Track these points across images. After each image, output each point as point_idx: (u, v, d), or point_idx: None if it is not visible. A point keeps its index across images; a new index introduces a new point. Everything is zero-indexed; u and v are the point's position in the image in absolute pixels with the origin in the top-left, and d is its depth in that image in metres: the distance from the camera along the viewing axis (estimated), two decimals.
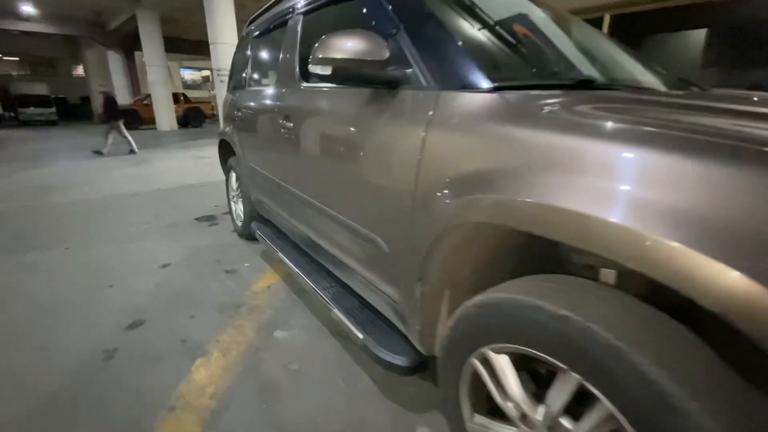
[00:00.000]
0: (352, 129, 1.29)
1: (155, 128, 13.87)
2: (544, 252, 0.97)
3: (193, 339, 1.72)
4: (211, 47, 8.32)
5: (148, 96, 14.17)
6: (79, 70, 21.79)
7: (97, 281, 2.29)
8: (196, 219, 3.50)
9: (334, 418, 1.30)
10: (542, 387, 0.82)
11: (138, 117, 14.12)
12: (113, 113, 7.38)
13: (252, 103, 2.27)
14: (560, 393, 0.72)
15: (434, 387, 1.42)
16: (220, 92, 8.14)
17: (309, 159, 1.60)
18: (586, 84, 1.06)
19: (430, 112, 0.99)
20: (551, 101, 0.83)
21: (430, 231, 0.95)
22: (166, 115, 13.96)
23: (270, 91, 2.05)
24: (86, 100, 20.28)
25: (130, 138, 7.58)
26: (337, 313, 1.46)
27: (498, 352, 0.84)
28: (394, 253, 1.15)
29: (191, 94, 17.98)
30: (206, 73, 25.12)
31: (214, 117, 16.28)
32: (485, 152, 0.83)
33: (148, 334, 1.77)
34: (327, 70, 1.09)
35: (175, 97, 14.66)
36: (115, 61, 16.73)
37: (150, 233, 3.14)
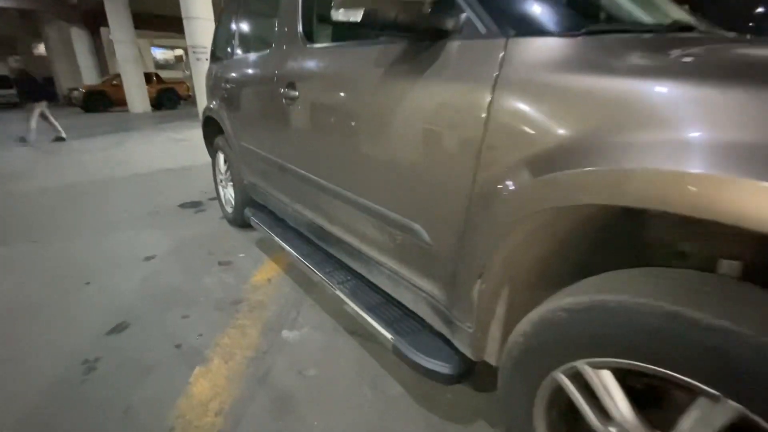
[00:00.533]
0: (379, 96, 1.07)
1: (127, 110, 13.07)
2: (623, 238, 0.80)
3: (188, 343, 1.51)
4: (184, 22, 7.68)
5: (118, 76, 13.29)
6: (41, 49, 20.28)
7: (72, 278, 2.02)
8: (180, 206, 3.21)
9: None
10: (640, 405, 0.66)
11: (108, 98, 13.29)
12: (32, 94, 6.53)
13: (243, 73, 2.00)
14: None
15: (475, 393, 1.25)
16: (197, 72, 7.57)
17: (321, 134, 1.37)
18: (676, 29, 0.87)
19: (497, 68, 0.78)
20: (667, 47, 0.64)
21: (503, 219, 0.76)
22: (138, 97, 13.17)
23: (266, 56, 1.79)
24: (50, 80, 18.97)
25: (33, 126, 6.60)
26: (358, 311, 1.27)
27: (598, 366, 0.67)
28: (439, 244, 0.96)
29: (164, 74, 16.96)
30: (179, 52, 23.79)
31: (190, 98, 15.47)
32: (592, 113, 0.63)
33: (136, 339, 1.54)
34: (355, 16, 0.87)
35: (147, 78, 13.81)
36: (79, 38, 15.57)
37: (129, 222, 2.85)
